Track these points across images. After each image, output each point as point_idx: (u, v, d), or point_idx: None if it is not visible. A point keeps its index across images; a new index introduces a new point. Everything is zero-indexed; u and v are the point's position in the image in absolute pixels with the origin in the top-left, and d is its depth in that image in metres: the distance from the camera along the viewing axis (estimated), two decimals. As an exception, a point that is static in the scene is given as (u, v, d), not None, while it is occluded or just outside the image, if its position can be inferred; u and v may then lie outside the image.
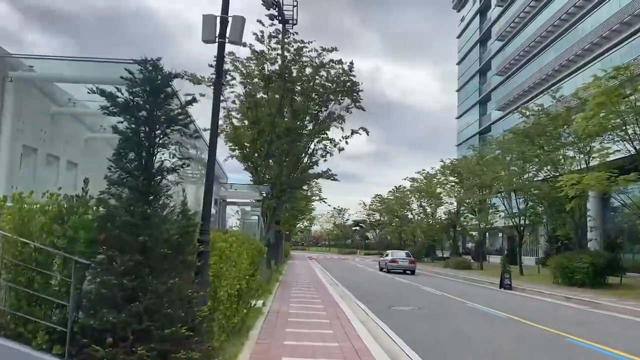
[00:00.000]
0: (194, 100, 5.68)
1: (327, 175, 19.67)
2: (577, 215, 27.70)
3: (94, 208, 5.28)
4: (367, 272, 37.99)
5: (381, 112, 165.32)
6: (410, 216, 65.79)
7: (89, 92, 5.52)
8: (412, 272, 35.65)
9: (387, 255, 39.86)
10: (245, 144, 18.14)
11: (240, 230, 19.83)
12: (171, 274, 5.11)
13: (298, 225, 75.35)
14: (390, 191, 71.90)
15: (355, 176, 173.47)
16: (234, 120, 18.76)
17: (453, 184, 48.99)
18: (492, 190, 36.56)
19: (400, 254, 39.31)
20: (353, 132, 19.70)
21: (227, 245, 6.96)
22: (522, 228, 34.96)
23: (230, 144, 18.96)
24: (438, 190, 53.35)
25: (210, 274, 6.63)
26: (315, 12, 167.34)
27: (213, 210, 19.14)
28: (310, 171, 20.01)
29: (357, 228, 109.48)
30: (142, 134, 5.45)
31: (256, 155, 18.25)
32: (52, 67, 8.94)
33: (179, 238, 5.29)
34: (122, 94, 5.51)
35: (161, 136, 5.53)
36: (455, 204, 52.65)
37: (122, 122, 5.46)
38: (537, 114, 29.14)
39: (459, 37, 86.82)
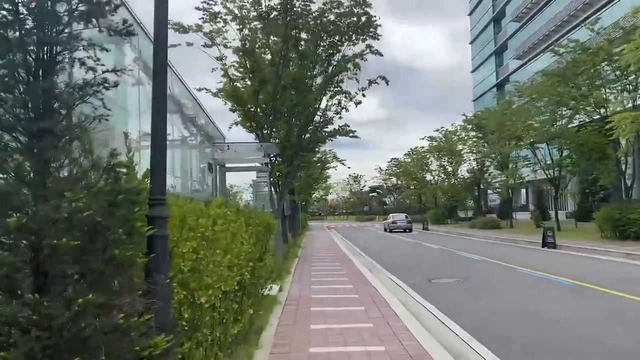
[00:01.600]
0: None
1: (345, 131, 16.99)
2: (624, 161, 24.82)
3: None
4: (390, 238, 36.25)
5: (392, 76, 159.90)
6: (429, 178, 63.07)
7: None
8: (410, 230, 43.24)
9: (389, 218, 48.39)
10: (246, 99, 15.40)
11: (252, 203, 17.44)
12: (85, 286, 2.65)
13: (314, 194, 73.10)
14: (406, 154, 68.87)
15: (369, 143, 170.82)
16: (231, 75, 15.99)
17: (475, 139, 45.87)
18: (522, 141, 33.33)
19: (400, 216, 47.05)
20: (370, 82, 17.11)
21: (210, 222, 4.45)
22: (557, 181, 32.00)
23: (230, 104, 16.29)
24: (459, 147, 50.36)
25: (186, 268, 4.17)
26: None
27: (209, 180, 16.60)
28: (324, 130, 17.38)
29: (375, 194, 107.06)
30: (23, 29, 2.94)
31: (259, 111, 15.52)
32: None
33: (100, 216, 2.79)
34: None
35: (61, 32, 3.02)
36: (477, 160, 49.73)
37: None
38: (573, 50, 25.81)
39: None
